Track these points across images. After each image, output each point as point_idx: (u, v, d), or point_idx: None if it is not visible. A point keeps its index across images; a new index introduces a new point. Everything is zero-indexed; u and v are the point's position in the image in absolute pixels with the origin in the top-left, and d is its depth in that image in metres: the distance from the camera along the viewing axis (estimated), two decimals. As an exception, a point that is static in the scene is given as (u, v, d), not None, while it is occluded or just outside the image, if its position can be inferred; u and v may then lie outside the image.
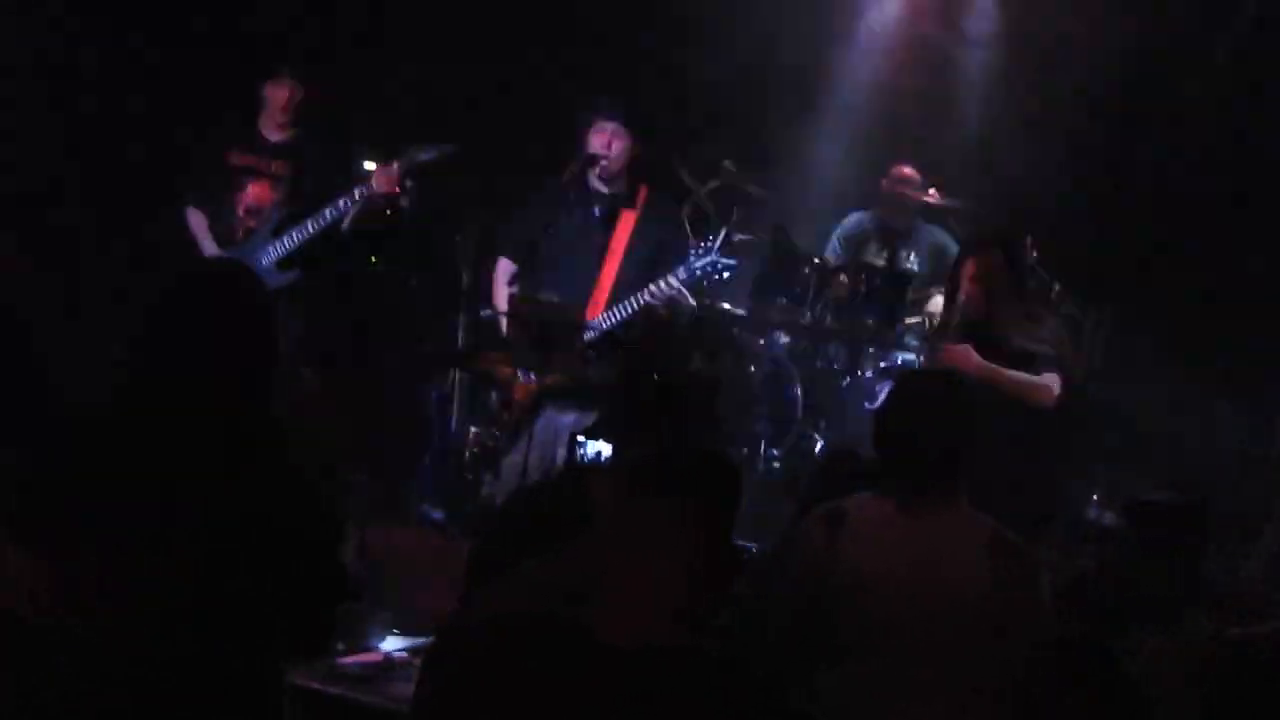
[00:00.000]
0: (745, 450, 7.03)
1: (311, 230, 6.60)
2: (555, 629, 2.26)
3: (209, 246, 6.70)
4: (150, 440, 2.99)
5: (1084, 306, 7.06)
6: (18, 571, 2.87)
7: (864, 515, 3.43)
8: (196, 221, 6.78)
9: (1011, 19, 7.89)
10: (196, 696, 2.96)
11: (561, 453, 5.52)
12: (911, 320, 6.98)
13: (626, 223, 5.93)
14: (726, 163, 7.38)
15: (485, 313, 6.27)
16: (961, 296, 5.51)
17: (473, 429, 6.11)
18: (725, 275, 5.84)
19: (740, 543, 3.60)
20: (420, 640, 4.99)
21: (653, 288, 5.73)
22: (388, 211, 6.93)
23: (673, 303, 5.75)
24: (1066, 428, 5.53)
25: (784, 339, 7.36)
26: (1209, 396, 7.20)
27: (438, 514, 7.20)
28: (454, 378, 7.55)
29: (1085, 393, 5.64)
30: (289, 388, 5.76)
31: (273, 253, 6.64)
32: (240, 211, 6.78)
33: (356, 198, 6.52)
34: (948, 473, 3.40)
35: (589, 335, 5.76)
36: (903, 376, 5.75)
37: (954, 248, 7.12)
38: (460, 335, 7.55)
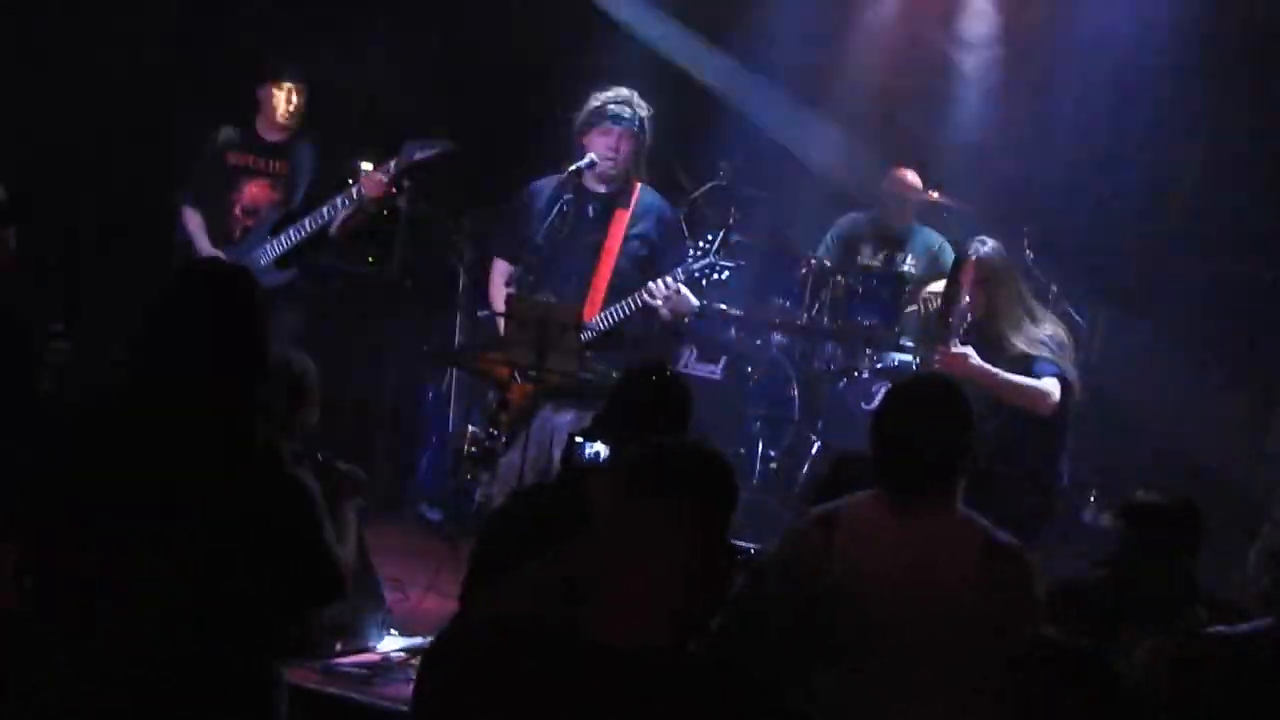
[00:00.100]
0: (743, 450, 7.04)
1: (309, 230, 6.61)
2: (553, 629, 2.26)
3: (206, 246, 6.70)
4: (148, 440, 3.00)
5: (1083, 306, 7.07)
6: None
7: (861, 516, 3.42)
8: (194, 221, 6.78)
9: (1011, 19, 7.90)
10: (194, 696, 2.97)
11: (559, 453, 5.51)
12: (908, 309, 6.97)
13: (620, 220, 5.88)
14: (725, 163, 7.39)
15: (482, 313, 6.26)
16: (961, 299, 5.51)
17: (470, 429, 6.11)
18: (723, 276, 5.81)
19: (737, 543, 3.59)
20: (418, 640, 5.00)
21: (652, 287, 5.70)
22: (384, 212, 6.94)
23: (672, 303, 5.74)
24: (1064, 429, 5.53)
25: (781, 340, 7.37)
26: (1208, 396, 7.21)
27: (435, 514, 7.21)
28: (451, 378, 7.56)
29: (1083, 393, 5.63)
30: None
31: (270, 252, 6.66)
32: (237, 211, 6.79)
33: (352, 198, 6.52)
34: (944, 474, 3.39)
35: (586, 335, 5.75)
36: (900, 378, 5.75)
37: (949, 248, 7.13)
38: (457, 336, 7.57)
